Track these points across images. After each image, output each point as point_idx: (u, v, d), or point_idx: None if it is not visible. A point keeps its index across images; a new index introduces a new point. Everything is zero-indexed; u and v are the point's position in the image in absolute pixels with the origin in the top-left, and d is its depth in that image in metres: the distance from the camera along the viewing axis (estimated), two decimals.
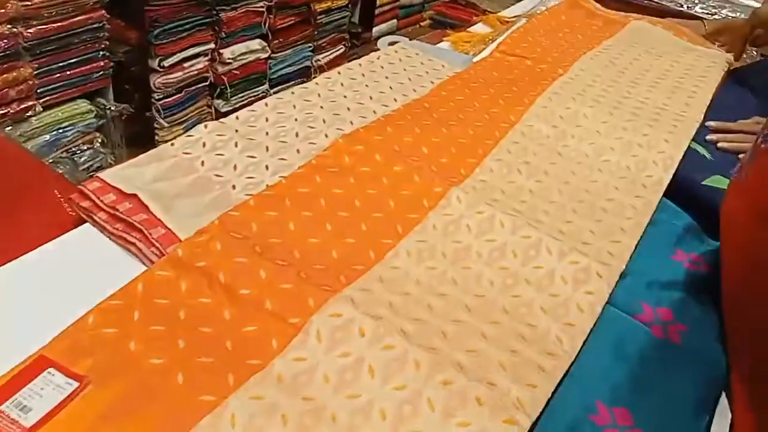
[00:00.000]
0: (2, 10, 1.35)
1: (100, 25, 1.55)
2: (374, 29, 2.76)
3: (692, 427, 0.55)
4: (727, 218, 0.63)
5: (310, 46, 2.39)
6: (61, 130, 1.62)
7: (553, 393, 0.53)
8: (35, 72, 1.49)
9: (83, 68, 1.59)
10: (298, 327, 0.50)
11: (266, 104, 0.85)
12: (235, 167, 0.72)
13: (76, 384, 0.44)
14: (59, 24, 1.46)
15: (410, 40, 1.15)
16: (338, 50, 2.54)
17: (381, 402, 0.46)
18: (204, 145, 0.74)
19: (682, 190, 0.79)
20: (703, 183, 0.78)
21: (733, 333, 0.61)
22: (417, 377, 0.48)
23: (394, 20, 2.91)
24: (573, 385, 0.55)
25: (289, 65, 2.32)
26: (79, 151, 1.67)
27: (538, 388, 0.49)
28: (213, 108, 2.09)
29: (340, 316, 0.51)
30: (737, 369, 0.58)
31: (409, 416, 0.45)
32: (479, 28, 1.33)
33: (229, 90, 2.07)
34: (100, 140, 1.72)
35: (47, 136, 1.59)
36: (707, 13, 1.39)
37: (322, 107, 0.86)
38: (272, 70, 2.25)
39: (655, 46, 1.17)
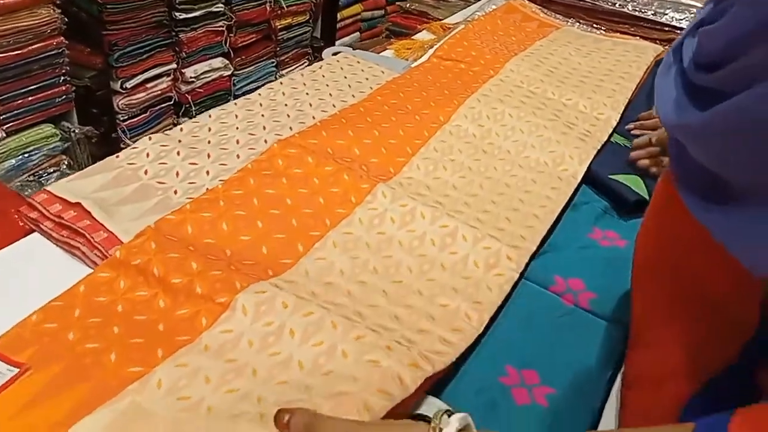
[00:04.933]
0: None
1: (59, 51, 1.59)
2: (337, 42, 2.83)
3: (596, 381, 0.60)
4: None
5: (273, 62, 2.45)
6: (26, 155, 1.65)
7: (465, 362, 0.59)
8: None
9: (45, 93, 1.63)
10: (226, 305, 0.55)
11: (210, 115, 0.90)
12: (177, 174, 0.77)
13: (16, 370, 0.48)
14: (18, 52, 1.50)
15: (353, 49, 1.21)
16: (301, 65, 2.60)
17: (299, 356, 0.51)
18: (148, 155, 0.79)
19: (595, 181, 0.86)
20: (610, 176, 0.85)
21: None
22: (333, 335, 0.52)
23: (357, 33, 2.97)
24: (484, 354, 0.61)
25: (253, 81, 2.37)
26: (45, 174, 1.71)
27: (441, 354, 0.54)
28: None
29: (264, 293, 0.56)
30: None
31: (323, 364, 0.50)
32: (423, 36, 1.39)
33: (194, 108, 2.12)
34: (66, 163, 1.75)
35: (13, 161, 1.63)
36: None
37: (263, 115, 0.92)
38: (236, 87, 2.30)
39: (585, 44, 1.24)
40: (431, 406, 0.51)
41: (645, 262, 0.59)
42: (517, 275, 0.66)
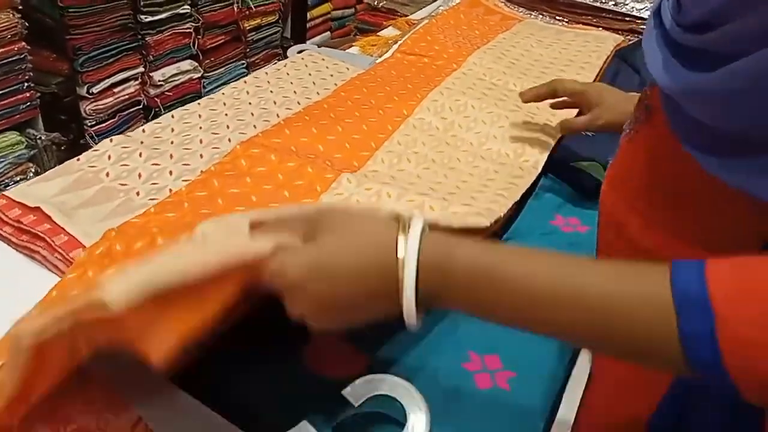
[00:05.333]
0: None
1: (21, 57, 1.57)
2: (308, 42, 2.82)
3: (557, 363, 0.61)
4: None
5: (244, 63, 2.44)
6: None
7: (429, 349, 0.60)
8: None
9: (9, 100, 1.61)
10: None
11: (173, 116, 0.90)
12: (139, 175, 0.76)
13: None
14: None
15: (318, 47, 1.22)
16: (272, 65, 2.59)
17: None
18: (109, 157, 0.78)
19: (557, 170, 0.87)
20: (571, 164, 0.86)
21: None
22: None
23: (328, 32, 2.97)
24: (447, 340, 0.61)
25: (224, 83, 2.36)
26: (12, 183, 1.68)
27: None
28: None
29: None
30: None
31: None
32: (389, 32, 1.40)
33: (163, 112, 2.10)
34: (33, 170, 1.73)
35: None
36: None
37: (227, 114, 0.92)
38: (207, 89, 2.29)
39: (547, 36, 1.26)
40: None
41: (616, 222, 0.58)
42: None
